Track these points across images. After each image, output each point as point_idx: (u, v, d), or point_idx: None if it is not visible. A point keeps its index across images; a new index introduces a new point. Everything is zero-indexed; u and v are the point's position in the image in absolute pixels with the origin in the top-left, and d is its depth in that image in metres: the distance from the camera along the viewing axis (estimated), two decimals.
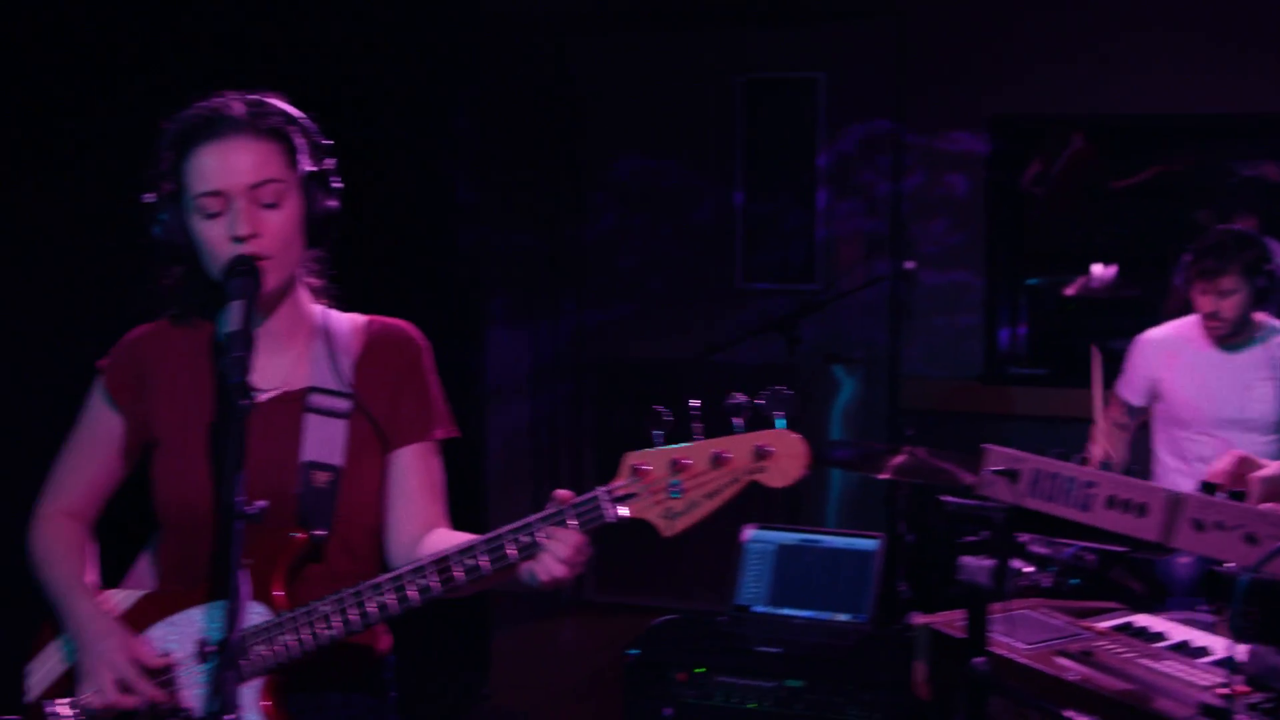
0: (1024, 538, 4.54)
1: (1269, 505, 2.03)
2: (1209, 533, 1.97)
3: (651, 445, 2.21)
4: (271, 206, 2.35)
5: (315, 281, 2.56)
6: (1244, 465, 2.29)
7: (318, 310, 2.54)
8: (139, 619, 2.46)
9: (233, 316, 2.24)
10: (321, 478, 2.42)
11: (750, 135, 6.89)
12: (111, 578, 2.60)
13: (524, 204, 7.06)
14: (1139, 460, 4.92)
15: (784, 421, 2.15)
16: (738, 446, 2.17)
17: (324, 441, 2.44)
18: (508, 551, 2.24)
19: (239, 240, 2.32)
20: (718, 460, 2.17)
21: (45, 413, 2.98)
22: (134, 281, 2.56)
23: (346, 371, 2.49)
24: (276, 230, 2.36)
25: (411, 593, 2.27)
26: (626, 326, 7.18)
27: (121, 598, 2.51)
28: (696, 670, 4.08)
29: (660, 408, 2.24)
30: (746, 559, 4.38)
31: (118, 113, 3.85)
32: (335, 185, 2.46)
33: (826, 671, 4.00)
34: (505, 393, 7.14)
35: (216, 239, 2.34)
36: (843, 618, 4.25)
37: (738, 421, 2.16)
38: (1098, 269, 7.46)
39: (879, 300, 6.48)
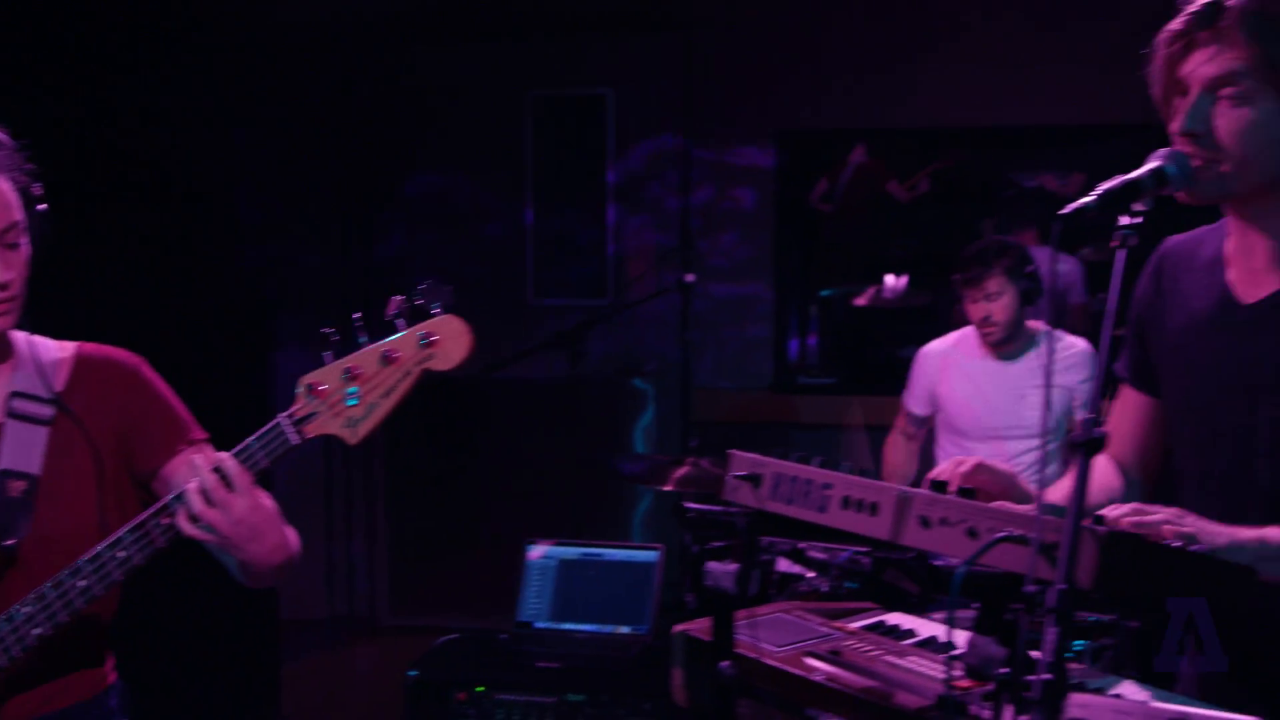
0: (802, 544, 4.60)
1: (998, 504, 2.06)
2: (934, 529, 2.00)
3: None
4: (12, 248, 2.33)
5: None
6: (979, 470, 2.32)
7: (20, 336, 2.48)
8: None
9: None
10: (16, 486, 2.36)
11: (540, 151, 6.88)
12: None
13: (313, 223, 6.93)
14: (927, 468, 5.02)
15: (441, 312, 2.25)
16: (403, 342, 2.25)
17: (21, 448, 2.38)
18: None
19: None
20: (387, 359, 2.24)
21: None
22: None
23: (53, 382, 2.44)
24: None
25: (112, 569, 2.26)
26: None
27: None
28: (476, 689, 4.04)
29: (328, 329, 2.30)
30: (529, 576, 4.36)
31: None
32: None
33: (607, 684, 3.99)
34: None
35: None
36: (624, 630, 4.25)
37: (400, 324, 2.24)
38: (890, 280, 7.62)
39: (670, 314, 6.50)
